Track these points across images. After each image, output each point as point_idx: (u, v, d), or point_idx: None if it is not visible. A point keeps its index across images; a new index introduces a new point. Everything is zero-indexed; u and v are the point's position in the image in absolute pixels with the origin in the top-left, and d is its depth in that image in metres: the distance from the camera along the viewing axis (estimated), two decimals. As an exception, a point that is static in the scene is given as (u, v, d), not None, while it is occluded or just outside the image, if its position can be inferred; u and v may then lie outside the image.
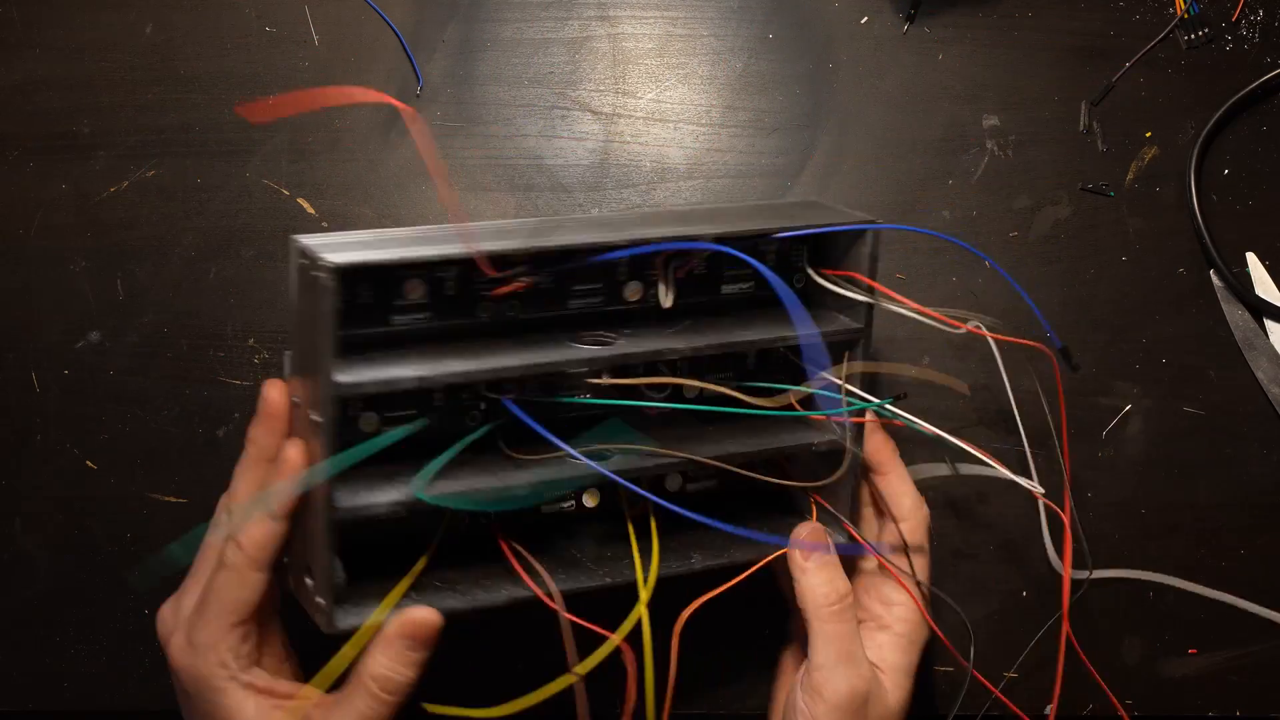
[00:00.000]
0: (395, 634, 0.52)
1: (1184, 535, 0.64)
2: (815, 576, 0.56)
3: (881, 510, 0.59)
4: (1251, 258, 0.65)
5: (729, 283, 0.60)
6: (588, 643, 0.54)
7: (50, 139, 0.69)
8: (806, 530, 0.57)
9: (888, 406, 0.57)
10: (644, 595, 0.56)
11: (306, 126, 0.68)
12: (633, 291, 0.58)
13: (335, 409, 0.51)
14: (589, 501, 0.60)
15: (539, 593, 0.55)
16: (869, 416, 0.57)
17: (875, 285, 0.57)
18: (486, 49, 0.67)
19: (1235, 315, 0.64)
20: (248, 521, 0.53)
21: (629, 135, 0.67)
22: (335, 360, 0.51)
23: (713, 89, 0.67)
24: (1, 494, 0.68)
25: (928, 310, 0.56)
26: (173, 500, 0.67)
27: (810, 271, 0.59)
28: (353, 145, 0.67)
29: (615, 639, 0.54)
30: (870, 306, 0.57)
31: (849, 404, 0.56)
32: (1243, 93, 0.64)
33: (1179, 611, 0.64)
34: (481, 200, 0.67)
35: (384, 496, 0.52)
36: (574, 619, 0.54)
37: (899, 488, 0.58)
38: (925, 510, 0.58)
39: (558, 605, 0.55)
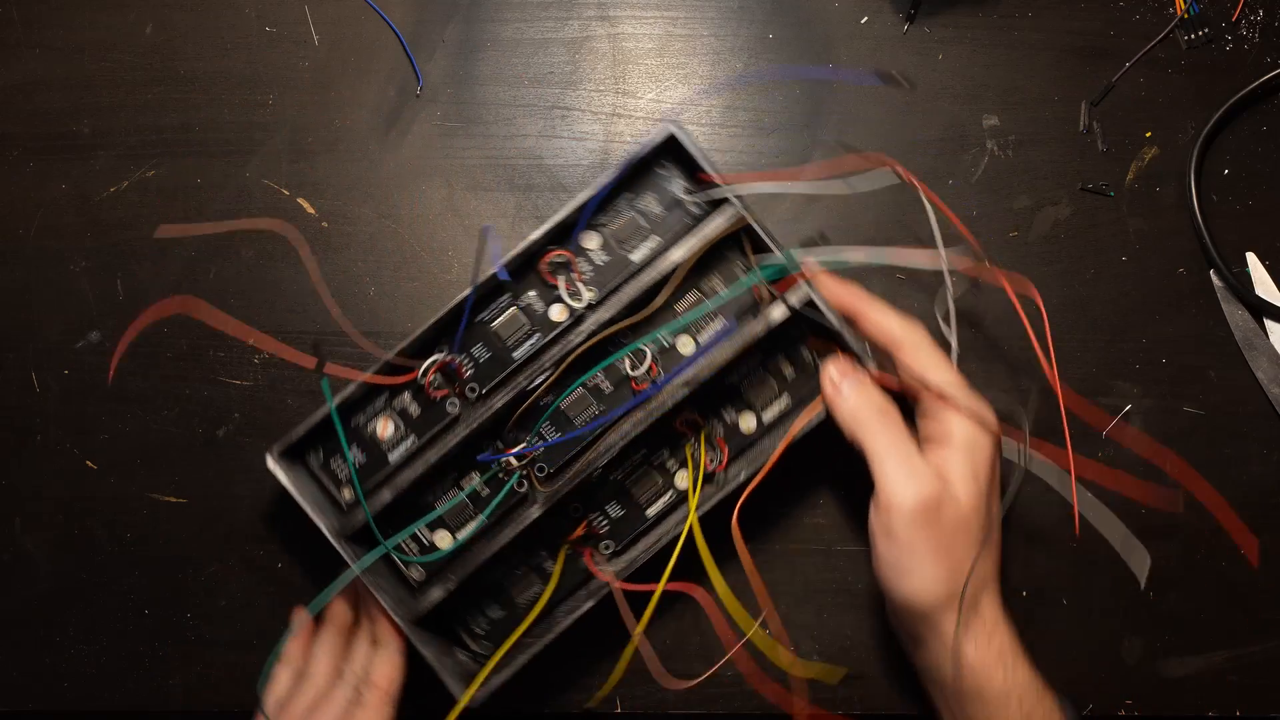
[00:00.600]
0: (381, 642, 0.63)
1: (1184, 535, 0.64)
2: (853, 398, 0.57)
3: (884, 351, 0.59)
4: (1251, 258, 0.65)
5: (637, 249, 0.63)
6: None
7: (50, 139, 0.69)
8: (835, 362, 0.58)
9: (796, 256, 0.58)
10: (693, 502, 0.60)
11: (307, 126, 0.68)
12: (558, 313, 0.62)
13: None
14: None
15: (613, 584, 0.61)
16: (809, 273, 0.59)
17: (715, 177, 0.60)
18: (486, 49, 0.67)
19: (1235, 315, 0.64)
20: (377, 664, 0.62)
21: (629, 135, 0.67)
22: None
23: (713, 89, 0.67)
24: (1, 494, 0.68)
25: (802, 171, 0.59)
26: (173, 500, 0.67)
27: (684, 189, 0.62)
28: (353, 145, 0.67)
29: (662, 582, 0.59)
30: (741, 198, 0.60)
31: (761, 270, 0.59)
32: (1243, 93, 0.64)
33: (1179, 611, 0.64)
34: (482, 200, 0.67)
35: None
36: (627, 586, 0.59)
37: (880, 321, 0.58)
38: (918, 328, 0.57)
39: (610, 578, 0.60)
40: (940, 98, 0.66)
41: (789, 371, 0.62)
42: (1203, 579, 0.64)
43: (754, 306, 0.62)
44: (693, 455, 0.62)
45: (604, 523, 0.63)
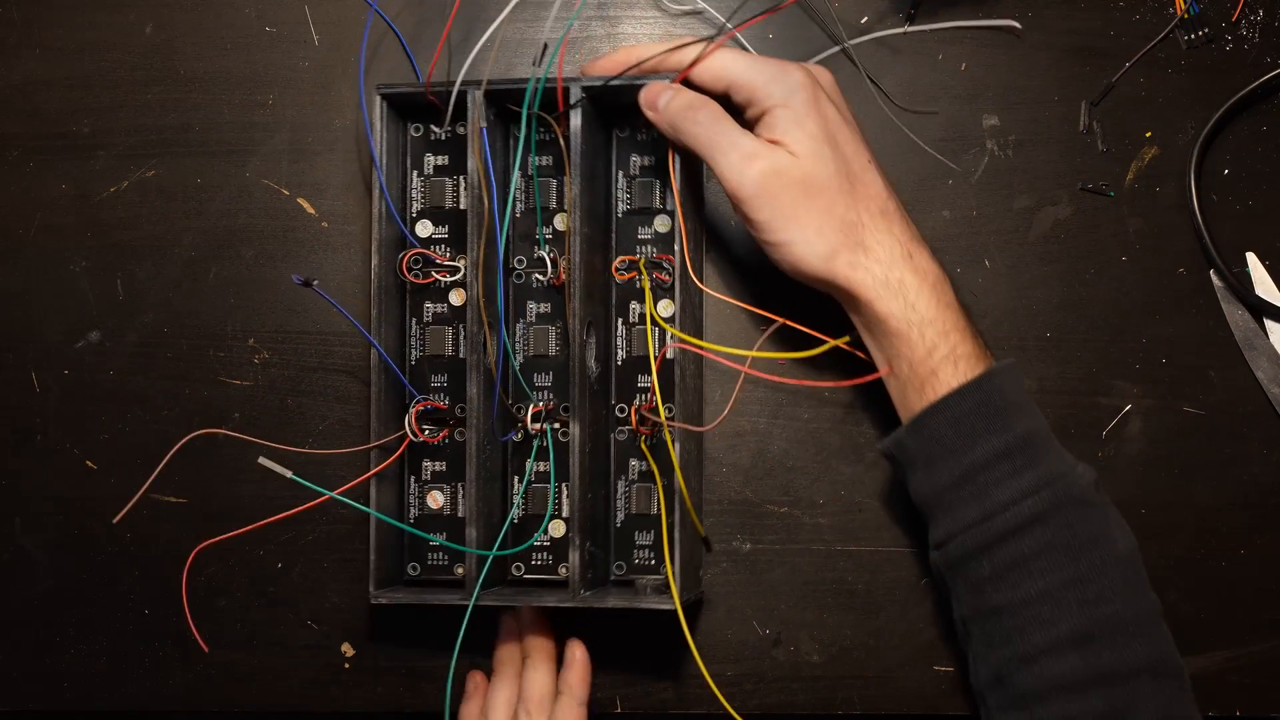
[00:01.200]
0: (581, 656, 0.64)
1: (1184, 535, 0.64)
2: (669, 106, 0.58)
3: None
4: (1251, 258, 0.65)
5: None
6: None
7: (50, 139, 0.69)
8: (646, 90, 0.59)
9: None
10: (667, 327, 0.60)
11: (306, 126, 0.68)
12: (457, 298, 0.65)
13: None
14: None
15: None
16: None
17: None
18: (487, 49, 0.67)
19: (1235, 315, 0.64)
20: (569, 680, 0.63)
21: (629, 135, 0.67)
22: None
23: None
24: (1, 494, 0.68)
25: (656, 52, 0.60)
26: (173, 500, 0.67)
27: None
28: (352, 145, 0.67)
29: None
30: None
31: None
32: (1243, 93, 0.64)
33: (1179, 611, 0.64)
34: (481, 200, 0.67)
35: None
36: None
37: (650, 55, 0.59)
38: (684, 42, 0.59)
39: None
40: (940, 98, 0.66)
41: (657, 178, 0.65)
42: (1203, 579, 0.64)
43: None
44: (647, 286, 0.64)
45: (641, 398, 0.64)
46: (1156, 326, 0.64)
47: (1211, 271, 0.64)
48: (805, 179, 0.56)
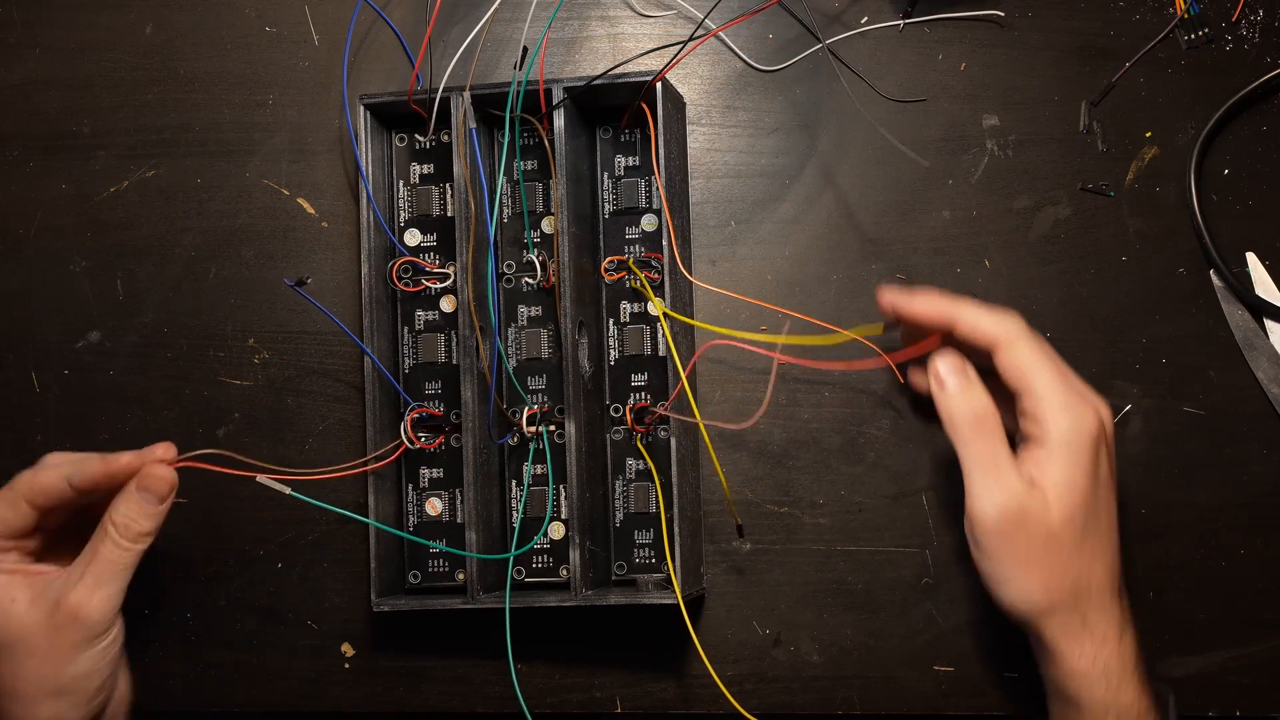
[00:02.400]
0: (136, 487, 0.58)
1: (1184, 535, 0.64)
2: (954, 397, 0.57)
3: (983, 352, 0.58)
4: (1251, 258, 0.64)
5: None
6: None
7: (50, 139, 0.69)
8: (945, 360, 0.57)
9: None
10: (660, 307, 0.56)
11: (306, 126, 0.68)
12: (447, 304, 0.65)
13: None
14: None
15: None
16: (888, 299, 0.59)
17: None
18: (486, 49, 0.67)
19: (1235, 315, 0.64)
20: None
21: (629, 135, 0.67)
22: None
23: (713, 89, 0.67)
24: (1, 494, 0.68)
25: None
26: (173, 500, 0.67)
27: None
28: (350, 148, 0.67)
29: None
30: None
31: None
32: (1243, 93, 0.64)
33: (1179, 611, 0.64)
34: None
35: None
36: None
37: (973, 323, 0.57)
38: (1011, 323, 0.56)
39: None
40: (940, 98, 0.66)
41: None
42: (1203, 579, 0.64)
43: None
44: (639, 281, 0.63)
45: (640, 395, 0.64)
46: (1156, 326, 0.64)
47: (1211, 271, 0.64)
48: (1049, 533, 0.54)
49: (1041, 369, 0.56)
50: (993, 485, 0.55)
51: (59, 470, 0.59)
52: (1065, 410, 0.55)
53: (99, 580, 0.57)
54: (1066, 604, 0.55)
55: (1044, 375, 0.55)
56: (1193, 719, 0.64)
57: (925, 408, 0.60)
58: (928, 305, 0.58)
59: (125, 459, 0.59)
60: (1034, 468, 0.55)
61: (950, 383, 0.57)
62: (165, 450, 0.59)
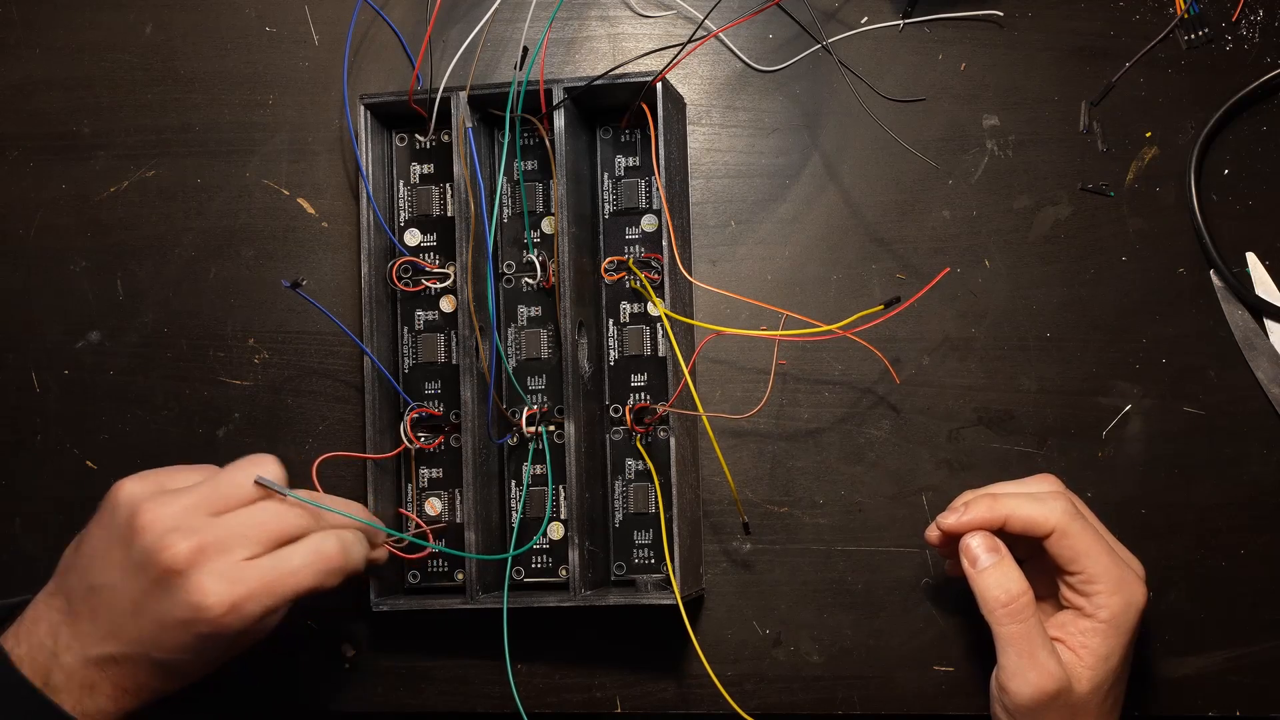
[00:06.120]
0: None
1: (1184, 535, 0.64)
2: (988, 579, 0.57)
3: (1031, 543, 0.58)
4: (1251, 258, 0.64)
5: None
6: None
7: (50, 139, 0.69)
8: (977, 538, 0.58)
9: None
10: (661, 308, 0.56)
11: (306, 126, 0.68)
12: (447, 304, 0.65)
13: None
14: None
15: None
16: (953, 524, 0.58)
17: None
18: (486, 49, 0.67)
19: (1235, 315, 0.64)
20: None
21: (629, 135, 0.67)
22: None
23: (713, 89, 0.67)
24: (1, 494, 0.68)
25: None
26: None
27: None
28: (350, 148, 0.67)
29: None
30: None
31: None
32: (1243, 93, 0.64)
33: (1179, 611, 0.64)
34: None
35: None
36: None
37: (1022, 516, 0.57)
38: (1058, 508, 0.57)
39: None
40: (940, 98, 0.66)
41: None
42: (1203, 579, 0.64)
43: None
44: (639, 282, 0.63)
45: (639, 395, 0.64)
46: (1156, 326, 0.64)
47: (1211, 271, 0.64)
48: (1081, 703, 0.56)
49: (1094, 553, 0.56)
50: (1028, 668, 0.55)
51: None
52: (1117, 592, 0.56)
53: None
54: None
55: (1098, 559, 0.56)
56: (1193, 719, 0.64)
57: (960, 584, 0.60)
58: (978, 517, 0.58)
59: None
60: (1078, 637, 0.56)
61: (983, 561, 0.57)
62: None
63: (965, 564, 0.58)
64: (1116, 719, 0.58)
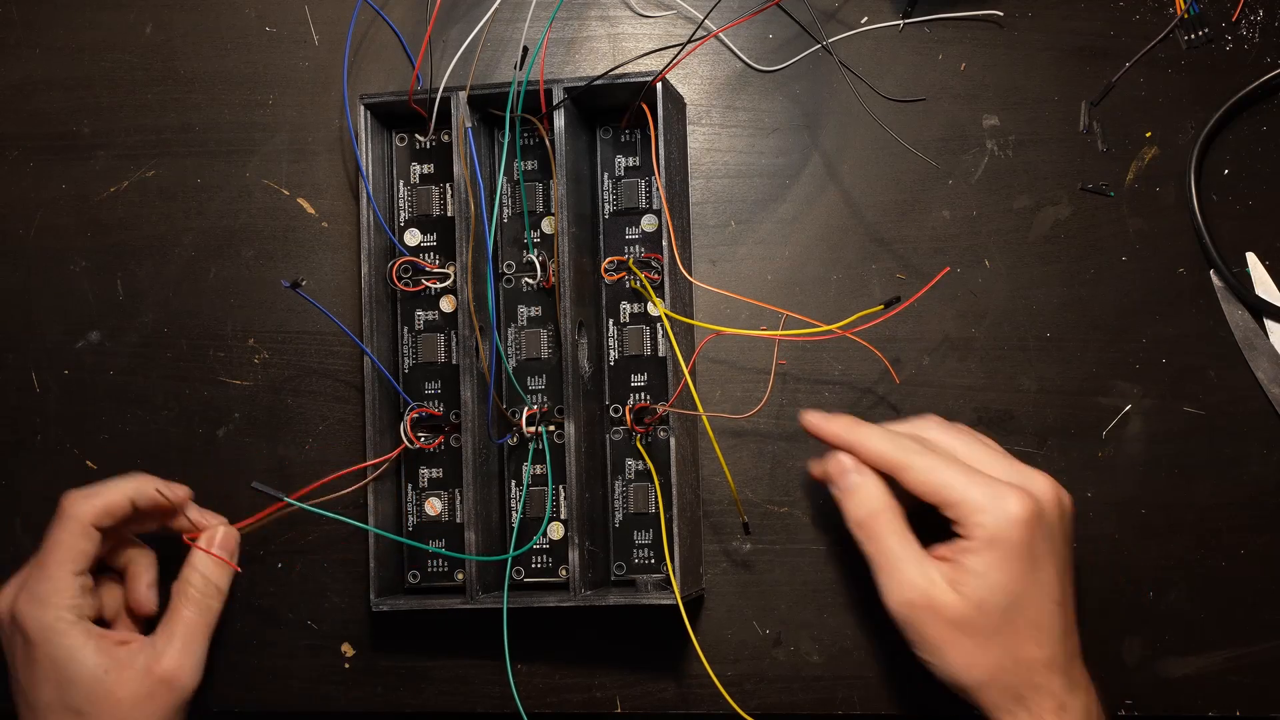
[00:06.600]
0: (219, 546, 0.63)
1: (1184, 535, 0.64)
2: (848, 500, 0.58)
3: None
4: (1251, 258, 0.64)
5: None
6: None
7: (50, 139, 0.69)
8: (841, 457, 0.59)
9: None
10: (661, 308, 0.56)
11: (306, 126, 0.68)
12: (447, 304, 0.65)
13: None
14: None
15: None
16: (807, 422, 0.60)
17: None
18: (486, 49, 0.67)
19: (1235, 315, 0.64)
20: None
21: (629, 135, 0.67)
22: None
23: (713, 89, 0.67)
24: (1, 494, 0.68)
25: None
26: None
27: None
28: (350, 148, 0.67)
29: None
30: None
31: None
32: (1243, 93, 0.64)
33: (1179, 611, 0.64)
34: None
35: None
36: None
37: (873, 449, 0.58)
38: (908, 444, 0.57)
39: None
40: (940, 98, 0.66)
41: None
42: (1203, 579, 0.64)
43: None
44: (639, 282, 0.63)
45: (639, 396, 0.64)
46: (1156, 326, 0.64)
47: (1211, 271, 0.64)
48: (959, 621, 0.55)
49: (946, 479, 0.56)
50: (889, 580, 0.56)
51: (119, 490, 0.61)
52: (984, 511, 0.55)
53: (188, 644, 0.61)
54: (994, 682, 0.55)
55: (952, 483, 0.56)
56: (1193, 719, 0.64)
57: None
58: (831, 432, 0.59)
59: (181, 492, 0.63)
60: (959, 556, 0.56)
61: (842, 483, 0.58)
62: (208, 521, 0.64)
63: (828, 482, 0.59)
64: (1043, 645, 0.55)
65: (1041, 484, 0.57)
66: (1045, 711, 0.55)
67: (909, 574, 0.56)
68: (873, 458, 0.58)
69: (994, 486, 0.56)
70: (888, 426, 0.59)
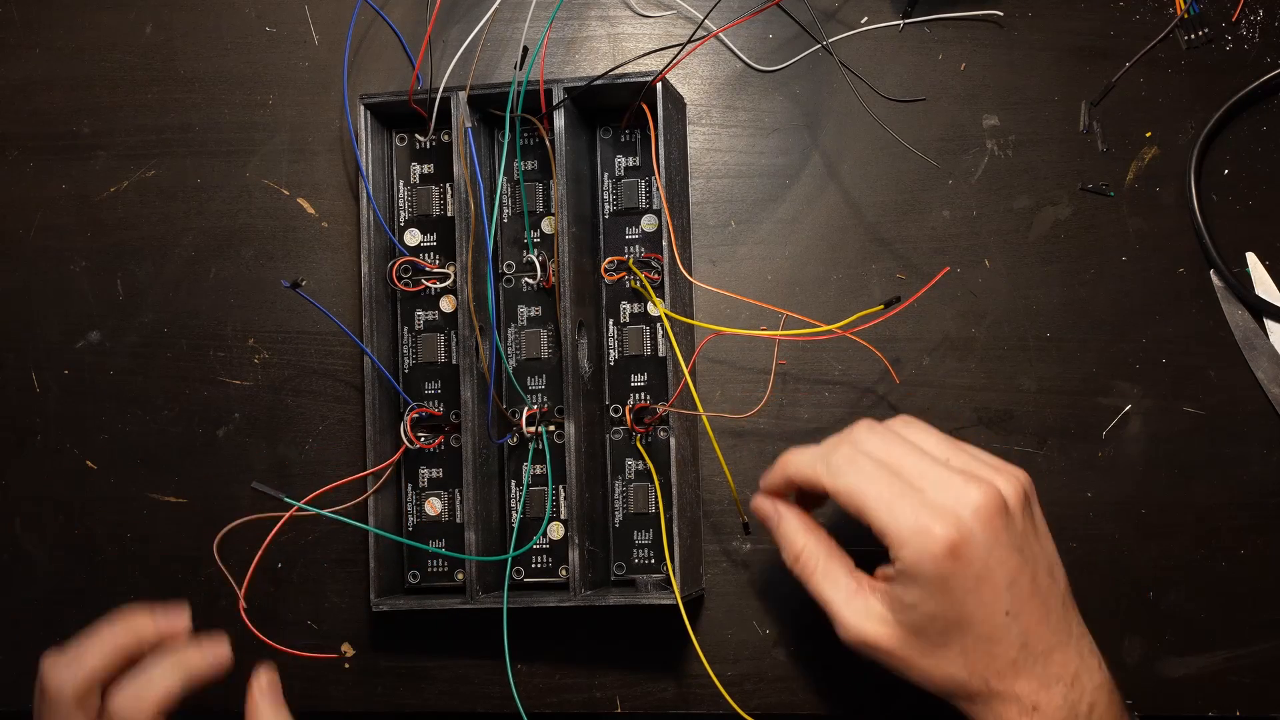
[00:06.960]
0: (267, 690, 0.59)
1: (1184, 535, 0.64)
2: (779, 539, 0.58)
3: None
4: (1251, 258, 0.64)
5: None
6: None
7: (50, 139, 0.69)
8: (760, 500, 0.58)
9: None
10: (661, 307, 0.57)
11: (306, 126, 0.68)
12: (447, 304, 0.65)
13: None
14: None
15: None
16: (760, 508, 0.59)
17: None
18: (486, 49, 0.67)
19: (1235, 315, 0.64)
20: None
21: (629, 135, 0.67)
22: None
23: (713, 89, 0.67)
24: (1, 494, 0.68)
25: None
26: (173, 500, 0.67)
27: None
28: (350, 148, 0.67)
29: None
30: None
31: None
32: (1243, 93, 0.64)
33: (1179, 611, 0.64)
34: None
35: None
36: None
37: (798, 471, 0.56)
38: (831, 461, 0.54)
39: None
40: (940, 98, 0.66)
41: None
42: (1203, 579, 0.64)
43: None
44: (639, 282, 0.63)
45: (638, 396, 0.64)
46: (1156, 326, 0.64)
47: (1211, 271, 0.64)
48: (902, 650, 0.54)
49: (869, 504, 0.53)
50: (832, 619, 0.55)
51: (101, 648, 0.58)
52: (905, 545, 0.52)
53: None
54: (959, 692, 0.54)
55: (875, 509, 0.53)
56: (1193, 719, 0.64)
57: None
58: (771, 480, 0.58)
59: (178, 623, 0.60)
60: (892, 581, 0.54)
61: (766, 526, 0.58)
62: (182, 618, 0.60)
63: (772, 534, 0.58)
64: (996, 656, 0.53)
65: (981, 489, 0.52)
66: (1012, 715, 0.53)
67: (843, 615, 0.55)
68: (803, 485, 0.56)
69: (918, 515, 0.52)
70: (823, 443, 0.56)
